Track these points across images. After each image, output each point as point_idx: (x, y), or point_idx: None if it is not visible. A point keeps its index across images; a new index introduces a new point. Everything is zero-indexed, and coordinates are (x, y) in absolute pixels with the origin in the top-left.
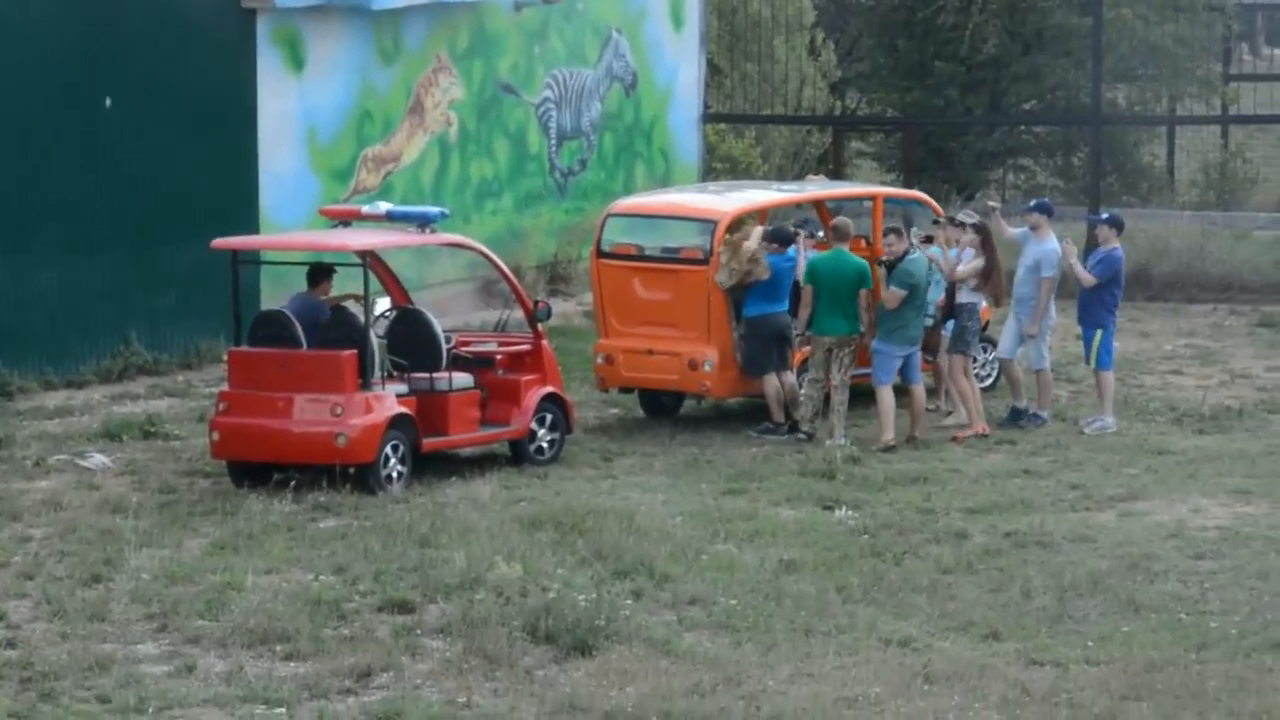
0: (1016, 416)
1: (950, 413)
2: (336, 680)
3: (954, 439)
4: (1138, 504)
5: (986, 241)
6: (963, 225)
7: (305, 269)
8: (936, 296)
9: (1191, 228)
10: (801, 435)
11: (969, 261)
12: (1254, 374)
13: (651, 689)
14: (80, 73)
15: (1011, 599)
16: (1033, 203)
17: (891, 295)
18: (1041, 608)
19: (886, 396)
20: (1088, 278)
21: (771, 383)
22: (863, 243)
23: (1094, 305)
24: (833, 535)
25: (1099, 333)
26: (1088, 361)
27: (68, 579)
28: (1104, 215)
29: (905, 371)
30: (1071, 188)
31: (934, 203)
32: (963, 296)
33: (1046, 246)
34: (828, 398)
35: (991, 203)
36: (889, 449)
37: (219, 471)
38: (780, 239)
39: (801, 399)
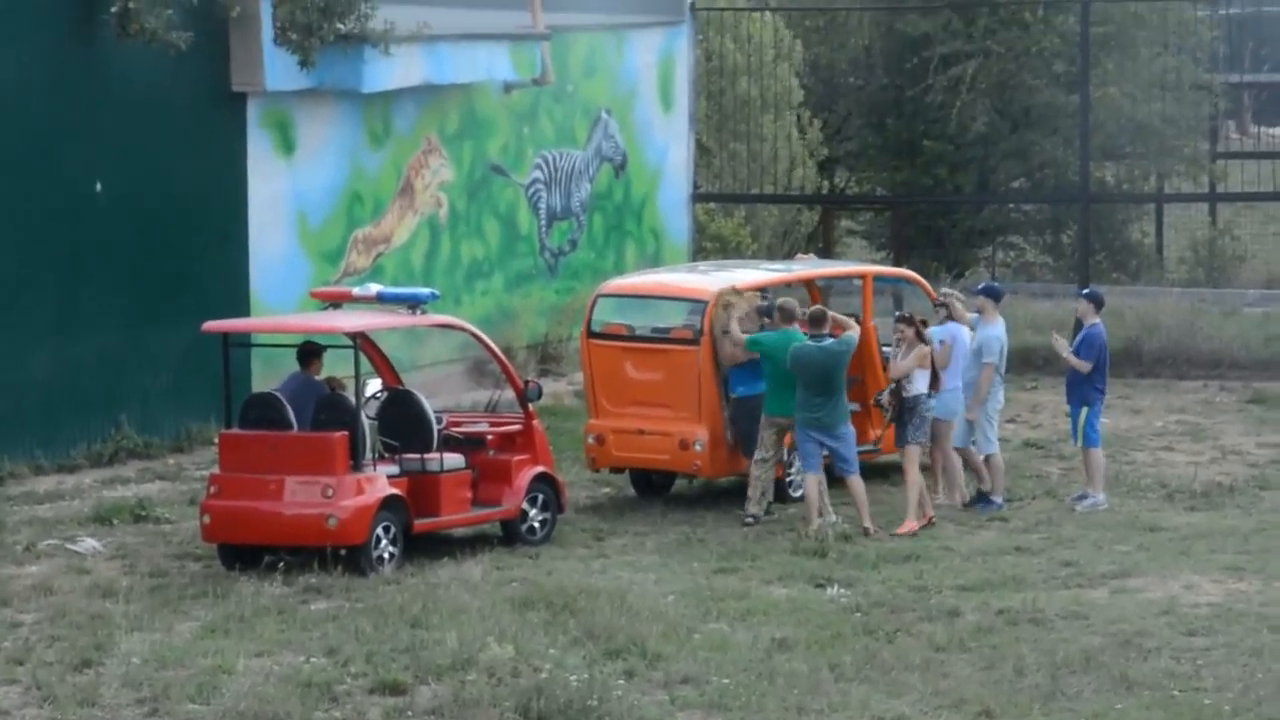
0: (980, 498)
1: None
2: None
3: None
4: (1130, 581)
5: (920, 333)
6: (908, 321)
7: (296, 351)
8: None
9: (1181, 305)
10: (748, 519)
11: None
12: (1245, 450)
13: None
14: (71, 157)
15: (1005, 676)
16: (980, 286)
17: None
18: (1035, 685)
19: (808, 484)
20: (1083, 365)
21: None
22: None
23: (1081, 383)
24: (825, 613)
25: (1085, 410)
26: (1075, 439)
27: (58, 664)
28: (1084, 291)
29: (835, 462)
30: (1061, 265)
31: (924, 281)
32: (911, 389)
33: (990, 332)
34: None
35: (945, 289)
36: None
37: (210, 555)
38: (770, 313)
39: (750, 480)
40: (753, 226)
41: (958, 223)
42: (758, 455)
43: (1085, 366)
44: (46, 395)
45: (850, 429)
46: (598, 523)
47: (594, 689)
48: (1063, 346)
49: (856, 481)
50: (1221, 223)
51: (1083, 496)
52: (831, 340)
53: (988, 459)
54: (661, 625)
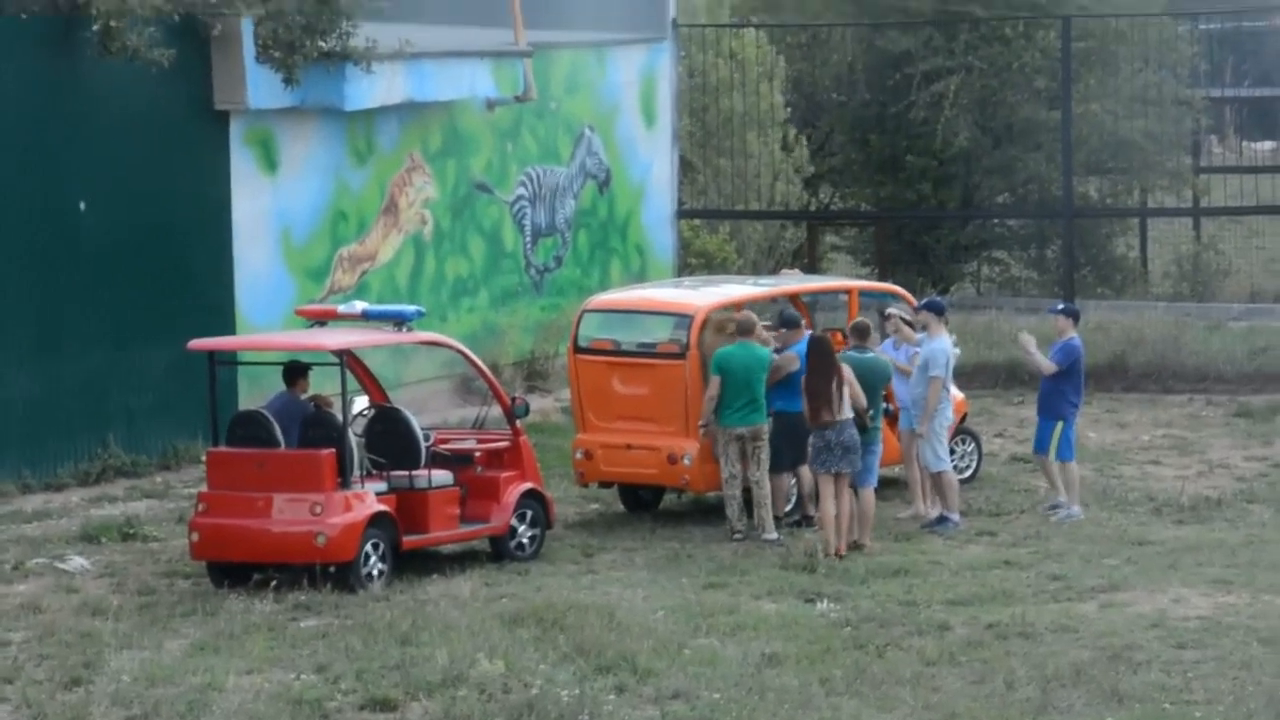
0: (940, 519)
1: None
2: None
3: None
4: (1119, 594)
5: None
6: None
7: (281, 369)
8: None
9: (1166, 319)
10: (736, 535)
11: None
12: (1232, 464)
13: None
14: (54, 175)
15: (995, 690)
16: (922, 302)
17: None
18: (1025, 699)
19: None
20: (1048, 365)
21: (786, 480)
22: (839, 335)
23: (1054, 396)
24: (815, 628)
25: (1059, 424)
26: (1036, 449)
27: (47, 682)
28: (1059, 306)
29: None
30: (1045, 280)
31: (909, 295)
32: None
33: (935, 345)
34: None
35: (891, 309)
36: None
37: (199, 572)
38: (787, 323)
39: (726, 500)
40: (738, 242)
41: (942, 238)
42: (725, 473)
43: (1050, 367)
44: (33, 414)
45: (880, 445)
46: (586, 538)
47: (585, 705)
48: (1029, 342)
49: (868, 495)
50: (1205, 237)
51: (1055, 507)
52: (872, 354)
53: (940, 476)
54: (651, 641)
